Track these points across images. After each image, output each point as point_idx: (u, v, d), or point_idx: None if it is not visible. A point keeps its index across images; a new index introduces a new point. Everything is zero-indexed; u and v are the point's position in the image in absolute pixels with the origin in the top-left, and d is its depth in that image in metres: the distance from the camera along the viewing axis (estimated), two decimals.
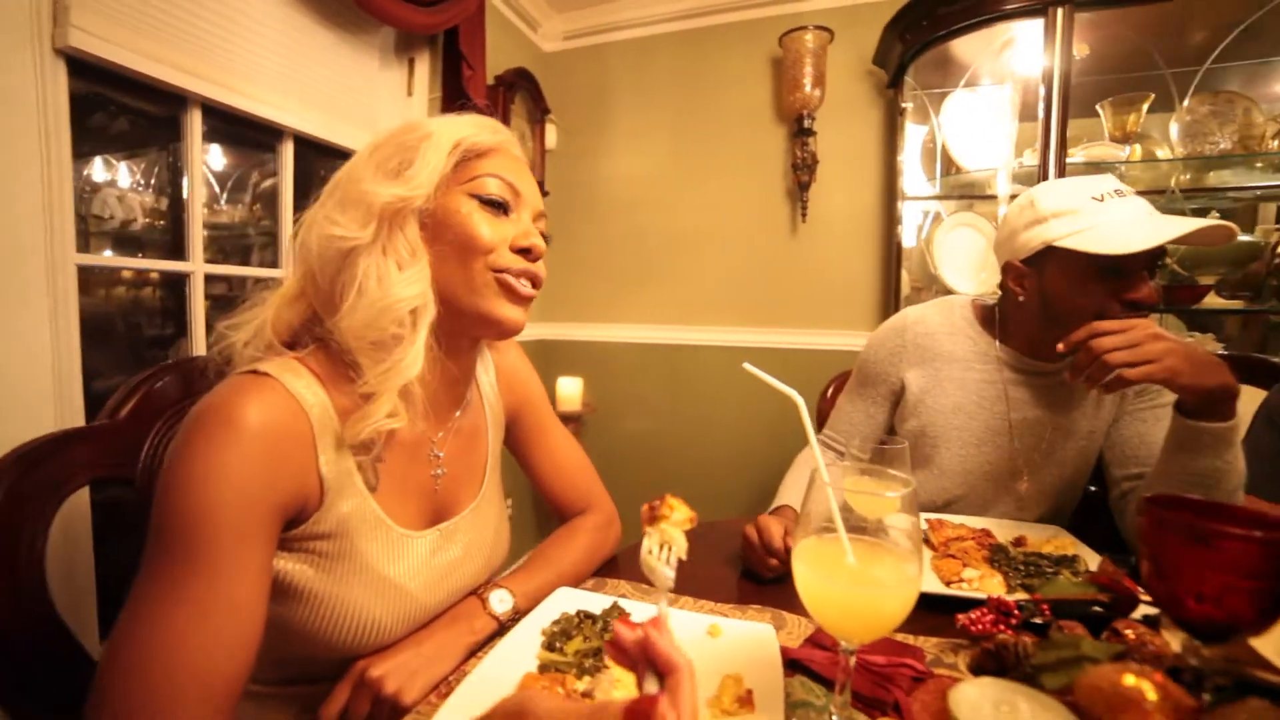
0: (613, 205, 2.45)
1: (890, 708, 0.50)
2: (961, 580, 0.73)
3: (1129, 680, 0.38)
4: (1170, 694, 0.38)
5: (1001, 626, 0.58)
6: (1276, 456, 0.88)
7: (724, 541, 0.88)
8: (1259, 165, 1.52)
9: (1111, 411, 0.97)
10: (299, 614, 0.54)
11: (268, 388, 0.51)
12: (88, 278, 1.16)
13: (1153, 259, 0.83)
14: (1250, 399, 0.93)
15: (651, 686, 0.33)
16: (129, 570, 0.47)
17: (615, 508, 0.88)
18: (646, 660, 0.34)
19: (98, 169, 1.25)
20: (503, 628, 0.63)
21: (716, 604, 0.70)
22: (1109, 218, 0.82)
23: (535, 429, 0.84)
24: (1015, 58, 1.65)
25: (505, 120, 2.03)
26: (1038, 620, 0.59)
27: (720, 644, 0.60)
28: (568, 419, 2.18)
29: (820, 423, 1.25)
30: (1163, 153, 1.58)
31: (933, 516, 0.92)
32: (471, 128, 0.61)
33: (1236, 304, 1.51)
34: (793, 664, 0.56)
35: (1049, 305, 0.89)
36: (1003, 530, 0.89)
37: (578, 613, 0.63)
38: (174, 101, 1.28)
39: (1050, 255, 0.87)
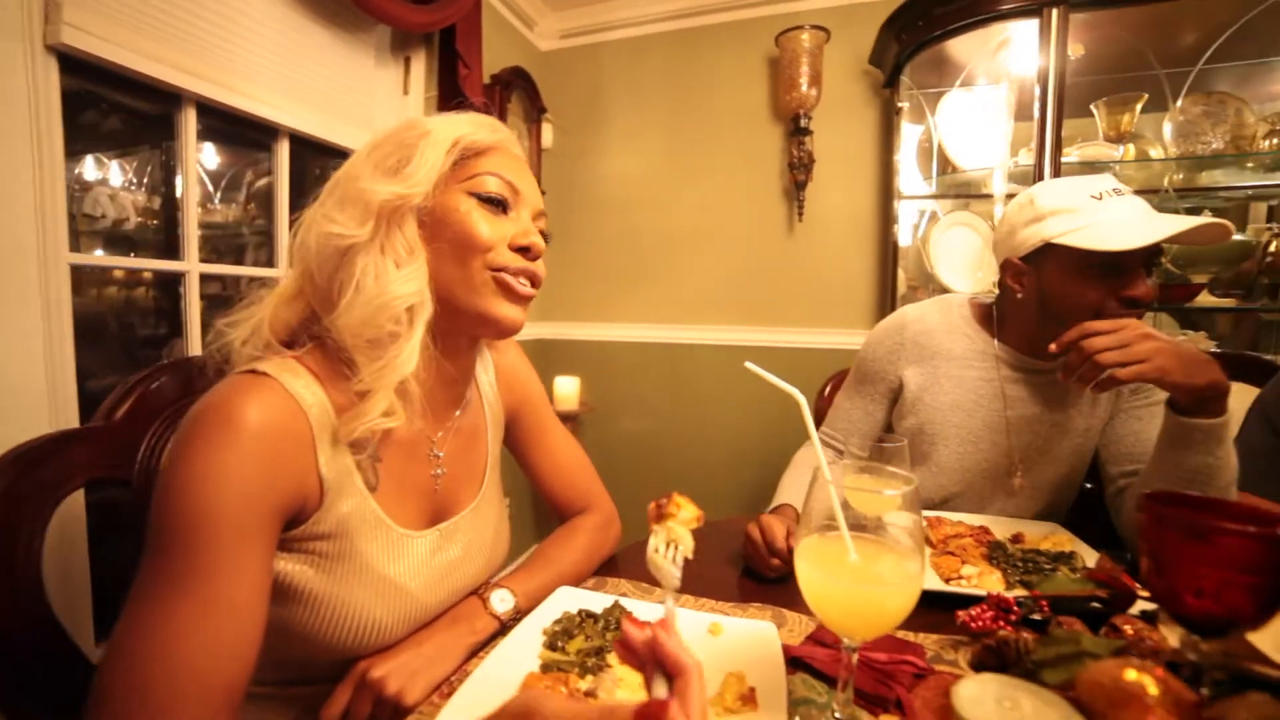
0: (610, 204, 2.45)
1: (892, 704, 0.51)
2: (960, 577, 0.74)
3: (1130, 675, 0.39)
4: (1171, 688, 0.38)
5: (1001, 623, 0.58)
6: (1270, 453, 0.89)
7: (725, 541, 0.88)
8: (1250, 165, 1.54)
9: (1107, 409, 0.97)
10: (299, 615, 0.54)
11: (267, 387, 0.51)
12: (80, 277, 1.15)
13: (1150, 257, 0.84)
14: (1242, 396, 0.93)
15: (660, 688, 0.32)
16: (124, 572, 0.47)
17: (615, 507, 0.88)
18: (655, 661, 0.34)
19: (89, 167, 1.23)
20: (504, 627, 0.63)
21: (718, 603, 0.70)
22: (1107, 216, 0.83)
23: (535, 429, 0.84)
24: (1011, 58, 1.66)
25: (502, 119, 2.02)
26: (1037, 616, 0.59)
27: (722, 642, 0.60)
28: (565, 418, 2.17)
29: (818, 421, 1.25)
30: (1156, 152, 1.60)
31: (931, 514, 0.93)
32: (470, 126, 0.61)
33: (1228, 302, 1.53)
34: (795, 662, 0.56)
35: (1047, 303, 0.90)
36: (1000, 527, 0.89)
37: (579, 612, 0.63)
38: (167, 99, 1.27)
39: (1049, 253, 0.87)
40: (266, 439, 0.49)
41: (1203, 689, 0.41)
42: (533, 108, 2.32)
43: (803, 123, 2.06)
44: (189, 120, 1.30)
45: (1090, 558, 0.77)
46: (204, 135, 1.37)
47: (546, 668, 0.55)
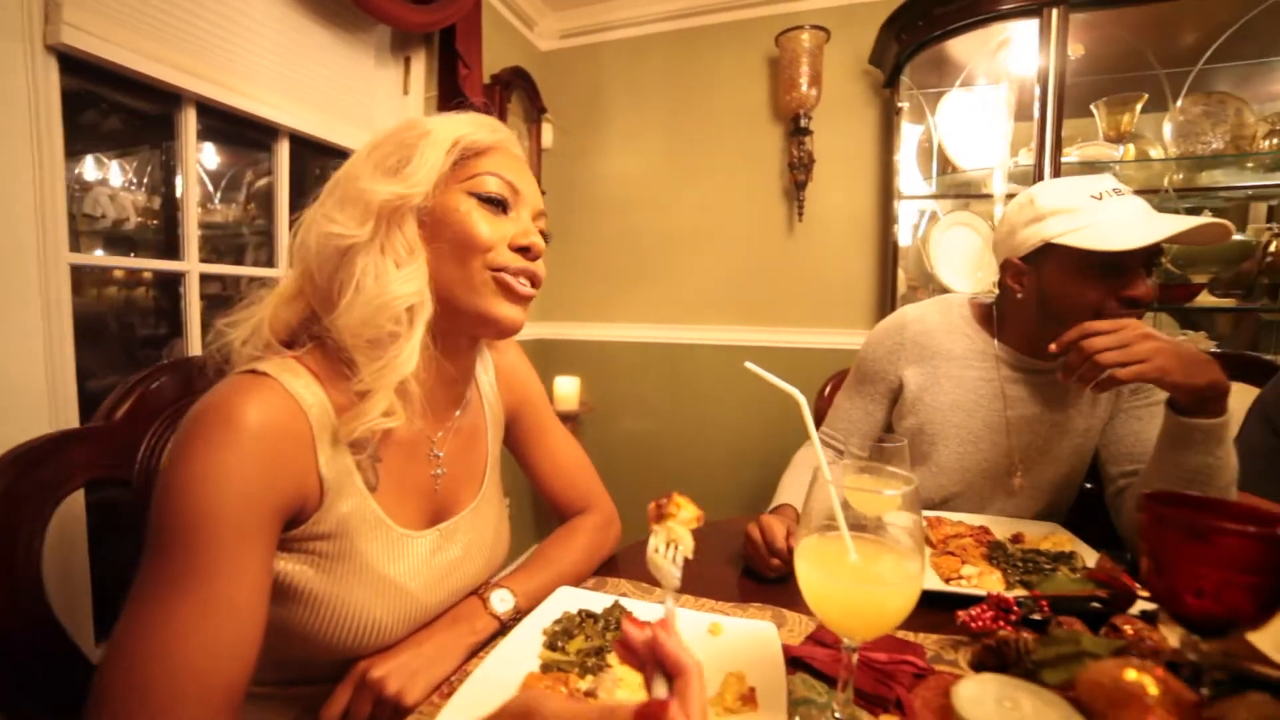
0: (610, 204, 2.45)
1: (892, 704, 0.51)
2: (960, 577, 0.74)
3: (1131, 675, 0.39)
4: (1171, 689, 0.38)
5: (1001, 623, 0.58)
6: (1270, 453, 0.89)
7: (725, 541, 0.88)
8: (1250, 165, 1.54)
9: (1107, 409, 0.97)
10: (299, 615, 0.54)
11: (267, 387, 0.51)
12: (80, 277, 1.15)
13: (1150, 256, 0.84)
14: (1242, 396, 0.93)
15: (660, 688, 0.33)
16: (124, 572, 0.47)
17: (615, 507, 0.88)
18: (655, 661, 0.34)
19: (89, 167, 1.23)
20: (504, 627, 0.63)
21: (718, 603, 0.70)
22: (1107, 216, 0.83)
23: (535, 429, 0.84)
24: (1011, 58, 1.66)
25: (502, 119, 2.02)
26: (1037, 616, 0.59)
27: (722, 642, 0.60)
28: (565, 419, 2.17)
29: (818, 421, 1.25)
30: (1156, 152, 1.60)
31: (930, 514, 0.93)
32: (470, 126, 0.61)
33: (1228, 302, 1.53)
34: (795, 662, 0.56)
35: (1047, 302, 0.90)
36: (1000, 527, 0.89)
37: (579, 612, 0.63)
38: (167, 99, 1.27)
39: (1049, 252, 0.87)
40: (266, 439, 0.49)
41: (1203, 689, 0.41)
42: (533, 108, 2.32)
43: (803, 123, 2.06)
44: (189, 120, 1.30)
45: (1090, 558, 0.77)
46: (204, 135, 1.37)
47: (546, 668, 0.55)
